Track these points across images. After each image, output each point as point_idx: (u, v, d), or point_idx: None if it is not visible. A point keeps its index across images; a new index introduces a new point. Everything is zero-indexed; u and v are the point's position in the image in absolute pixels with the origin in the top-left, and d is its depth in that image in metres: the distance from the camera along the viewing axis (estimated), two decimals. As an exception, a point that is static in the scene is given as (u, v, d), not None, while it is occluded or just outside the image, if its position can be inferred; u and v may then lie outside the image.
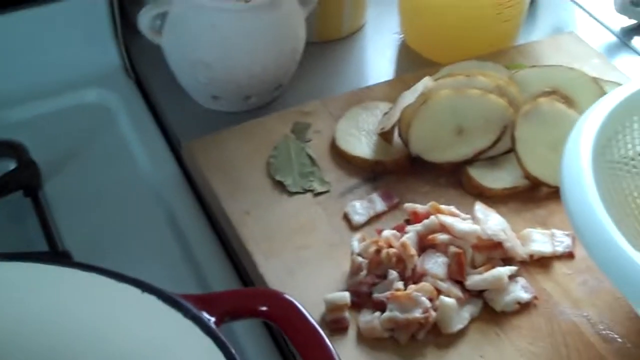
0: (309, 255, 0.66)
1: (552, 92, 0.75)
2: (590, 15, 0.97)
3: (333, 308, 0.61)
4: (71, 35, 0.86)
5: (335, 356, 0.45)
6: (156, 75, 0.87)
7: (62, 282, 0.49)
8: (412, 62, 0.90)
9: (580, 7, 0.98)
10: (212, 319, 0.47)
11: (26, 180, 0.75)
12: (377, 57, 0.91)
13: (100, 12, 0.86)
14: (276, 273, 0.65)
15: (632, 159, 0.65)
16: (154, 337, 0.47)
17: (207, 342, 0.46)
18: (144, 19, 0.79)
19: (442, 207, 0.66)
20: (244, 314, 0.48)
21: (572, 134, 0.61)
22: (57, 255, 0.68)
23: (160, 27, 0.80)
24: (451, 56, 0.83)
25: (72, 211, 0.74)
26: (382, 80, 0.86)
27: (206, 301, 0.48)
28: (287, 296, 0.48)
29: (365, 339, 0.61)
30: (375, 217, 0.69)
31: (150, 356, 0.47)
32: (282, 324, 0.47)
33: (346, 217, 0.69)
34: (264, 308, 0.47)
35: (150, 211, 0.74)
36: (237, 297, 0.49)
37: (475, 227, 0.64)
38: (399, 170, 0.73)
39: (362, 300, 0.63)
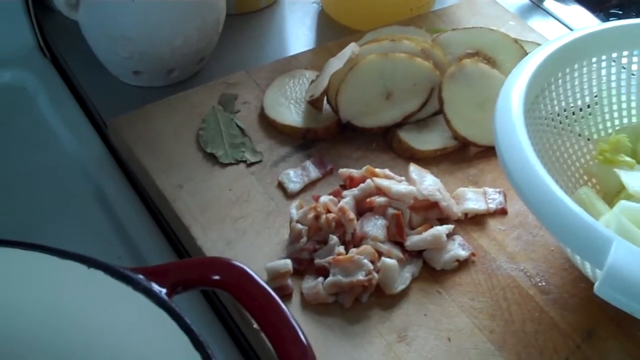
0: (247, 226, 0.66)
1: (475, 54, 0.76)
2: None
3: (275, 276, 0.61)
4: (-19, 15, 0.83)
5: (291, 318, 0.45)
6: (73, 53, 0.85)
7: (4, 263, 0.47)
8: (332, 30, 0.90)
9: (493, -29, 1.00)
10: (164, 290, 0.46)
11: (-56, 165, 0.72)
12: (297, 26, 0.91)
13: (11, -10, 0.83)
14: (215, 245, 0.64)
15: (559, 115, 0.67)
16: (104, 312, 0.46)
17: (160, 313, 0.45)
18: (60, -5, 0.76)
19: (377, 170, 0.67)
20: (196, 283, 0.47)
21: (501, 93, 0.62)
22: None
23: (77, 3, 0.78)
24: (370, 23, 0.84)
25: (-4, 194, 0.72)
26: (304, 49, 0.86)
27: (156, 273, 0.47)
28: (238, 263, 0.47)
29: (310, 305, 0.61)
30: (310, 185, 0.69)
31: (102, 331, 0.46)
32: (236, 291, 0.46)
33: (281, 186, 0.69)
34: (216, 277, 0.47)
35: (78, 191, 0.73)
36: (187, 267, 0.48)
37: (412, 188, 0.65)
38: (330, 137, 0.73)
39: (303, 266, 0.63)
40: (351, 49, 0.74)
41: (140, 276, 0.46)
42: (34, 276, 0.47)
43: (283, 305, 0.45)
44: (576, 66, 0.67)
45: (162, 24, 0.76)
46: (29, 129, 0.78)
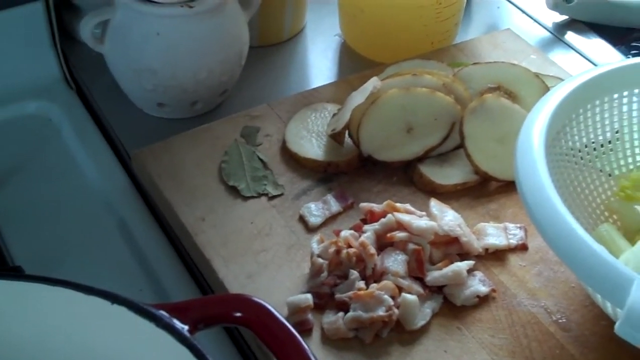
0: (268, 259, 0.66)
1: (497, 88, 0.76)
2: (523, 11, 0.99)
3: (296, 310, 0.61)
4: (8, 47, 0.84)
5: (312, 356, 0.45)
6: (97, 84, 0.86)
7: (28, 298, 0.47)
8: (354, 63, 0.90)
9: (513, 4, 1.00)
10: (186, 327, 0.46)
11: (-30, 194, 0.73)
12: (319, 58, 0.92)
13: (37, 22, 0.84)
14: (236, 278, 0.64)
15: (580, 151, 0.67)
16: (127, 349, 0.47)
17: (183, 351, 0.45)
18: (86, 28, 0.78)
19: (398, 205, 0.67)
20: (218, 320, 0.48)
21: (523, 128, 0.62)
22: (9, 271, 0.66)
23: (102, 36, 0.79)
24: (392, 56, 0.84)
25: (20, 225, 0.73)
26: (325, 81, 0.87)
27: (178, 309, 0.47)
28: (259, 300, 0.47)
29: (330, 340, 0.61)
30: (331, 218, 0.70)
31: (125, 368, 0.46)
32: (257, 328, 0.46)
33: (302, 219, 0.69)
34: (238, 314, 0.47)
35: (101, 222, 0.73)
36: (209, 304, 0.48)
37: (432, 223, 0.65)
38: (351, 171, 0.73)
39: (324, 301, 0.63)
40: (373, 83, 0.74)
41: (163, 313, 0.47)
42: (59, 311, 0.48)
43: (304, 343, 0.46)
44: (598, 102, 0.68)
45: (186, 57, 0.77)
46: (54, 160, 0.79)
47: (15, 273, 0.49)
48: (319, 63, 0.91)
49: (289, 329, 0.46)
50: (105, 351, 0.47)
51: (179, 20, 0.76)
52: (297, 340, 0.46)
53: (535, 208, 0.57)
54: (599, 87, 0.68)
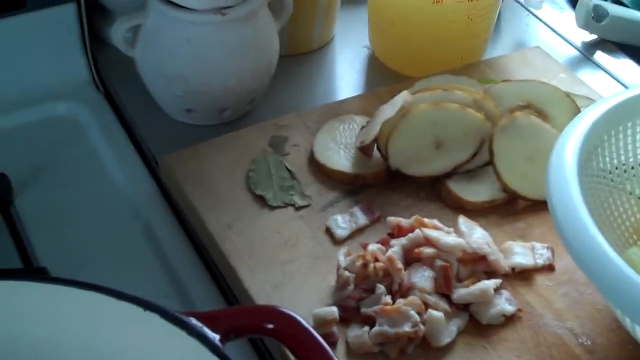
0: (294, 270, 0.66)
1: (527, 106, 0.76)
2: (553, 30, 0.99)
3: (322, 323, 0.61)
4: (39, 48, 0.84)
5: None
6: (126, 88, 0.86)
7: (58, 302, 0.47)
8: (382, 75, 0.90)
9: (543, 22, 1.00)
10: (217, 337, 0.46)
11: (-3, 194, 0.73)
12: (347, 70, 0.92)
13: (68, 25, 0.84)
14: (262, 288, 0.64)
15: (610, 172, 0.66)
16: (157, 356, 0.46)
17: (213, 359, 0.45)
18: (118, 32, 0.78)
19: (426, 220, 0.67)
20: (249, 331, 0.48)
21: (555, 148, 0.62)
22: (33, 272, 0.66)
23: (134, 40, 0.79)
24: (420, 70, 0.84)
25: (45, 226, 0.73)
26: (353, 93, 0.87)
27: (209, 318, 0.47)
28: (292, 313, 0.47)
29: (355, 354, 0.60)
30: (358, 231, 0.69)
31: (154, 375, 0.46)
32: (289, 341, 0.46)
33: (328, 231, 0.69)
34: (270, 325, 0.47)
35: (127, 226, 0.73)
36: (240, 314, 0.48)
37: (460, 240, 0.65)
38: (379, 184, 0.73)
39: (349, 314, 0.63)
40: (403, 97, 0.74)
41: (195, 321, 0.46)
42: (89, 316, 0.48)
43: (335, 358, 0.46)
44: (630, 124, 0.67)
45: (217, 65, 0.77)
46: (81, 162, 0.79)
47: (45, 276, 0.49)
48: (347, 74, 0.91)
49: (320, 343, 0.46)
50: (136, 358, 0.47)
51: (211, 28, 0.76)
52: (328, 355, 0.45)
53: (567, 228, 0.57)
54: (631, 110, 0.67)
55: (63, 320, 0.47)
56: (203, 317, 0.47)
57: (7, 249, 0.70)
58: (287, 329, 0.47)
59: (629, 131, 0.67)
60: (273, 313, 0.47)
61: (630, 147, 0.68)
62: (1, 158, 0.77)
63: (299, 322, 0.46)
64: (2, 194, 0.73)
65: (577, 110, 0.76)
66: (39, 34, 0.84)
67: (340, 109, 0.81)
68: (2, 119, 0.82)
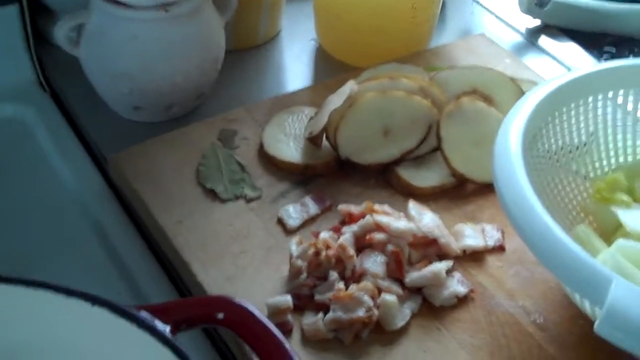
0: (247, 261, 0.66)
1: (472, 92, 0.77)
2: (497, 17, 1.00)
3: (276, 312, 0.61)
4: (-18, 50, 0.83)
5: (295, 357, 0.45)
6: (72, 87, 0.85)
7: (5, 301, 0.47)
8: (330, 67, 0.91)
9: (486, 9, 1.01)
10: (167, 328, 0.46)
11: (-56, 199, 0.72)
12: (295, 62, 0.92)
13: (12, 26, 0.84)
14: (215, 281, 0.64)
15: (555, 153, 0.67)
16: (108, 350, 0.46)
17: (165, 352, 0.45)
18: (61, 31, 0.77)
19: (376, 206, 0.67)
20: (200, 321, 0.48)
21: (500, 131, 0.63)
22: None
23: (78, 39, 0.79)
24: (367, 60, 0.85)
25: (-6, 230, 0.72)
26: (301, 85, 0.87)
27: (159, 311, 0.47)
28: (242, 302, 0.47)
29: (310, 341, 0.61)
30: (310, 220, 0.70)
31: (106, 369, 0.46)
32: (240, 330, 0.46)
33: (280, 222, 0.69)
34: (220, 315, 0.47)
35: (77, 226, 0.73)
36: (191, 306, 0.48)
37: (411, 225, 0.65)
38: (329, 173, 0.74)
39: (303, 302, 0.63)
40: (350, 86, 0.74)
41: (145, 314, 0.46)
42: (39, 314, 0.47)
43: (287, 344, 0.46)
44: (573, 105, 0.68)
45: (163, 61, 0.77)
46: (28, 163, 0.79)
47: (-7, 275, 0.48)
48: (295, 67, 0.91)
49: (271, 330, 0.46)
50: (87, 353, 0.47)
51: (155, 24, 0.76)
52: (280, 342, 0.46)
53: (514, 209, 0.57)
54: (574, 91, 0.68)
55: (12, 319, 0.47)
56: (153, 310, 0.47)
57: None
58: (238, 318, 0.47)
59: (573, 112, 0.68)
60: (224, 303, 0.47)
61: (574, 127, 0.69)
62: (-54, 162, 0.76)
63: (249, 311, 0.46)
64: (-51, 198, 0.72)
65: (522, 95, 0.77)
66: (-18, 36, 0.83)
67: (289, 101, 0.81)
68: (-52, 122, 0.81)
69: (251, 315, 0.46)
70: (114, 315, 0.46)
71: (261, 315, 0.47)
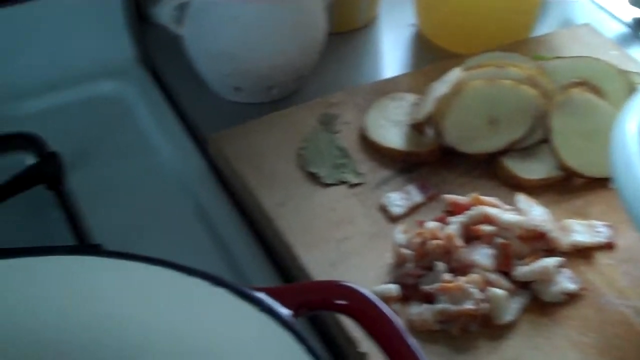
0: (350, 247, 0.65)
1: (581, 83, 0.75)
2: (601, 7, 0.97)
3: (382, 300, 0.60)
4: (86, 27, 0.84)
5: (418, 350, 0.44)
6: (172, 66, 0.85)
7: (129, 277, 0.47)
8: (429, 52, 0.89)
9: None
10: (289, 312, 0.45)
11: (49, 172, 0.73)
12: (393, 47, 0.91)
13: (114, 3, 0.84)
14: (319, 265, 0.64)
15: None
16: (227, 332, 0.46)
17: (284, 335, 0.44)
18: (165, 10, 0.77)
19: (484, 198, 0.66)
20: (320, 306, 0.47)
21: (617, 125, 0.60)
22: (88, 249, 0.66)
23: (180, 18, 0.79)
24: (468, 47, 0.83)
25: (96, 205, 0.72)
26: (399, 71, 0.86)
27: (279, 293, 0.46)
28: (365, 291, 0.46)
29: (416, 332, 0.60)
30: (413, 209, 0.68)
31: (225, 352, 0.45)
32: (362, 318, 0.45)
33: (383, 209, 0.68)
34: (342, 301, 0.46)
35: (178, 204, 0.73)
36: (311, 290, 0.47)
37: (520, 217, 0.64)
38: (432, 161, 0.72)
39: (409, 292, 0.62)
40: (456, 74, 0.73)
41: (265, 296, 0.46)
42: (159, 292, 0.47)
43: (411, 339, 0.45)
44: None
45: (264, 43, 0.76)
46: (129, 140, 0.79)
47: (114, 251, 0.48)
48: (393, 52, 0.90)
49: (395, 323, 0.45)
50: (205, 333, 0.46)
51: (258, 5, 0.75)
52: (402, 333, 0.45)
53: (634, 204, 0.55)
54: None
55: (134, 296, 0.47)
56: (273, 292, 0.46)
57: (61, 227, 0.70)
58: (359, 305, 0.46)
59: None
60: (345, 290, 0.46)
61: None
62: (51, 136, 0.76)
63: (371, 301, 0.45)
64: (54, 172, 0.73)
65: (632, 87, 0.74)
66: (86, 12, 0.83)
67: (389, 87, 0.80)
68: (50, 98, 0.81)
69: (375, 305, 0.45)
70: (234, 297, 0.46)
71: (384, 305, 0.46)
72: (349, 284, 0.47)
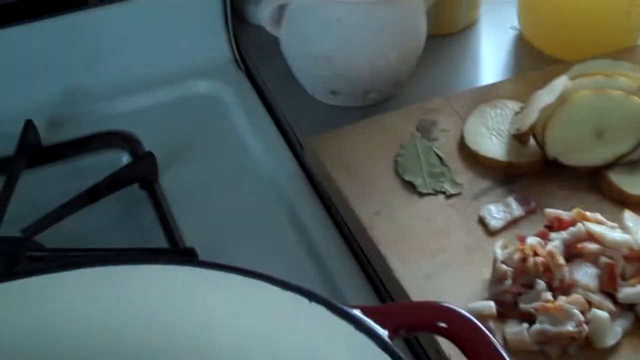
0: (446, 260, 0.64)
1: (695, 95, 0.71)
2: None
3: (478, 317, 0.57)
4: (181, 26, 0.84)
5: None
6: (268, 67, 0.85)
7: (225, 288, 0.46)
8: (531, 58, 0.86)
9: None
10: (386, 333, 0.44)
11: (143, 172, 0.73)
12: (494, 52, 0.88)
13: (210, 3, 0.84)
14: (413, 278, 0.62)
15: None
16: (323, 350, 0.45)
17: (382, 357, 0.43)
18: (266, 11, 0.77)
19: (588, 214, 0.63)
20: (419, 328, 0.45)
21: None
22: (181, 252, 0.66)
23: (279, 19, 0.78)
24: (573, 53, 0.80)
25: (190, 205, 0.72)
26: (500, 76, 0.84)
27: (377, 313, 0.45)
28: (467, 314, 0.45)
29: (513, 352, 0.58)
30: (512, 222, 0.66)
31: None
32: (463, 343, 0.44)
33: (481, 221, 0.66)
34: (442, 324, 0.44)
35: (270, 208, 0.72)
36: (411, 310, 0.46)
37: (627, 236, 0.61)
38: (533, 173, 0.70)
39: (506, 310, 0.60)
40: (563, 82, 0.70)
41: (362, 315, 0.44)
42: (252, 305, 0.46)
43: (512, 361, 0.43)
44: None
45: (365, 46, 0.75)
46: (223, 141, 0.79)
47: (211, 262, 0.47)
48: (494, 56, 0.88)
49: (498, 349, 0.43)
50: (300, 349, 0.45)
51: (360, 7, 0.74)
52: None
53: None
54: None
55: (227, 308, 0.46)
56: (370, 312, 0.45)
57: (153, 227, 0.70)
58: (461, 328, 0.44)
59: None
60: (447, 312, 0.45)
61: None
62: (146, 136, 0.77)
63: (476, 325, 0.44)
64: (148, 172, 0.73)
65: None
66: (182, 12, 0.83)
67: (489, 93, 0.77)
68: (146, 97, 0.82)
69: (479, 330, 0.44)
70: (332, 314, 0.45)
71: (488, 331, 0.44)
72: (449, 306, 0.45)
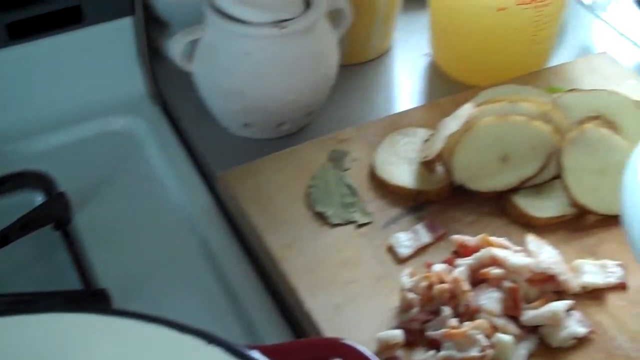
0: (356, 290, 0.64)
1: (596, 117, 0.73)
2: (621, 34, 0.95)
3: (386, 347, 0.59)
4: (96, 62, 0.84)
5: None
6: (183, 102, 0.85)
7: (121, 335, 0.46)
8: (443, 84, 0.88)
9: (611, 26, 0.97)
10: (282, 372, 0.45)
11: (56, 213, 0.73)
12: (407, 79, 0.90)
13: (126, 39, 0.84)
14: (323, 309, 0.63)
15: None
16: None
17: (277, 396, 0.44)
18: (177, 47, 0.77)
19: (493, 239, 0.65)
20: (315, 364, 0.46)
21: (631, 162, 0.59)
22: (93, 294, 0.66)
23: (191, 54, 0.78)
24: (483, 78, 0.82)
25: (104, 244, 0.72)
26: (413, 103, 0.85)
27: (275, 352, 0.45)
28: (362, 349, 0.45)
29: (421, 379, 0.59)
30: (421, 249, 0.67)
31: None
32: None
33: (391, 249, 0.67)
34: (337, 360, 0.45)
35: (185, 243, 0.72)
36: (308, 348, 0.47)
37: (529, 260, 0.62)
38: (442, 200, 0.71)
39: (414, 337, 0.61)
40: (468, 110, 0.72)
41: (261, 356, 0.45)
42: (149, 350, 0.46)
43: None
44: None
45: (276, 79, 0.76)
46: (138, 177, 0.79)
47: (106, 308, 0.48)
48: (407, 83, 0.89)
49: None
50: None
51: (270, 41, 0.75)
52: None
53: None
54: None
55: (121, 354, 0.46)
56: (268, 351, 0.45)
57: (67, 268, 0.70)
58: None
59: None
60: (341, 347, 0.45)
61: None
62: (61, 175, 0.76)
63: (369, 358, 0.45)
64: (62, 213, 0.73)
65: (649, 121, 0.73)
66: (96, 48, 0.83)
67: (401, 121, 0.79)
68: (59, 135, 0.82)
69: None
70: (230, 356, 0.45)
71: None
72: (346, 342, 0.46)
